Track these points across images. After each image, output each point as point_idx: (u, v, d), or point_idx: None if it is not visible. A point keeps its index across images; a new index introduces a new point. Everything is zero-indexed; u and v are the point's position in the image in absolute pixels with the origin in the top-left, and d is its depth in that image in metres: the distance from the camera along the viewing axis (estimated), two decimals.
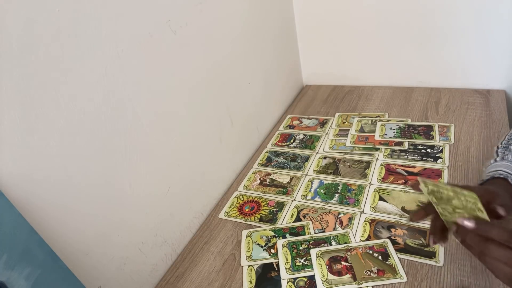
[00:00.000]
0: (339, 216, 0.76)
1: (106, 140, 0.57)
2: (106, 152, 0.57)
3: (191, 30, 0.73)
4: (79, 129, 0.53)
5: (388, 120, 1.02)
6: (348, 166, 0.89)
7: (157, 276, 0.71)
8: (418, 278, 0.62)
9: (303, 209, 0.80)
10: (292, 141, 1.02)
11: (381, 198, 0.78)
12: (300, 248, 0.70)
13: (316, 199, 0.81)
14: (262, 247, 0.72)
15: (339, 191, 0.82)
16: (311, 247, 0.70)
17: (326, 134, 1.02)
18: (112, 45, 0.56)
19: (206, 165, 0.83)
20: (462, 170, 0.81)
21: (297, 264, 0.67)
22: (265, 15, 1.03)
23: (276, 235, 0.74)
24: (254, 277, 0.67)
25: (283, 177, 0.90)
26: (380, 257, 0.66)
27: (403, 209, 0.75)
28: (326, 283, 0.63)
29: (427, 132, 0.94)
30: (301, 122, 1.10)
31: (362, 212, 0.76)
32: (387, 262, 0.65)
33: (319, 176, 0.88)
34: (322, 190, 0.83)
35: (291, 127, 1.09)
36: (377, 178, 0.83)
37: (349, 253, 0.67)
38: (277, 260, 0.69)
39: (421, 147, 0.90)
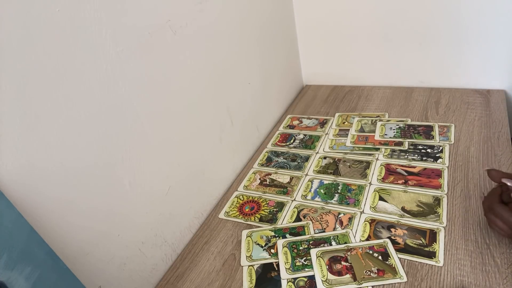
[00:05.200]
0: (339, 216, 0.76)
1: (105, 140, 0.57)
2: (106, 151, 0.57)
3: (191, 30, 0.73)
4: (79, 128, 0.53)
5: (388, 120, 1.02)
6: (348, 166, 0.89)
7: (157, 276, 0.71)
8: (418, 278, 0.62)
9: (303, 209, 0.80)
10: (292, 141, 1.02)
11: (381, 198, 0.78)
12: (300, 248, 0.70)
13: (316, 199, 0.81)
14: (262, 247, 0.72)
15: (339, 191, 0.82)
16: (311, 247, 0.70)
17: (326, 134, 1.02)
18: (112, 45, 0.56)
19: (206, 165, 0.83)
20: (462, 170, 0.81)
21: (297, 264, 0.67)
22: (265, 15, 1.03)
23: (276, 235, 0.74)
24: (254, 277, 0.67)
25: (283, 177, 0.90)
26: (380, 257, 0.66)
27: (403, 209, 0.75)
28: (326, 283, 0.63)
29: (427, 132, 0.94)
30: (301, 122, 1.10)
31: (362, 212, 0.76)
32: (387, 262, 0.65)
33: (319, 176, 0.88)
34: (322, 190, 0.83)
35: (291, 127, 1.09)
36: (377, 178, 0.83)
37: (349, 253, 0.67)
38: (277, 260, 0.69)
39: (421, 147, 0.90)
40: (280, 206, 0.81)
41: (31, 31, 0.46)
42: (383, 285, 0.62)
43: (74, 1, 0.50)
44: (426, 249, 0.66)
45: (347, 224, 0.74)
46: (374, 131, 0.98)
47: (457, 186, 0.77)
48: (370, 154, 0.91)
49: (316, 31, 1.21)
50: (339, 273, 0.64)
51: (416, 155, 0.88)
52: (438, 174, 0.81)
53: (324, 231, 0.73)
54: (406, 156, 0.88)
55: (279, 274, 0.66)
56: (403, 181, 0.81)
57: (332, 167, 0.90)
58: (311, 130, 1.06)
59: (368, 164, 0.88)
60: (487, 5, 0.97)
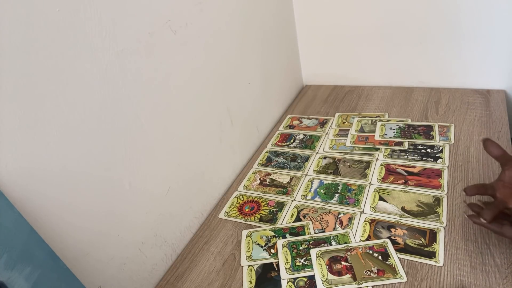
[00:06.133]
0: (339, 216, 0.76)
1: (105, 140, 0.57)
2: (106, 151, 0.57)
3: (191, 30, 0.73)
4: (79, 128, 0.53)
5: (388, 120, 1.02)
6: (348, 166, 0.89)
7: (157, 276, 0.71)
8: (418, 278, 0.62)
9: (303, 209, 0.80)
10: (292, 141, 1.02)
11: (381, 198, 0.78)
12: (300, 248, 0.70)
13: (316, 199, 0.81)
14: (262, 247, 0.72)
15: (339, 191, 0.82)
16: (311, 247, 0.70)
17: (326, 134, 1.02)
18: (112, 45, 0.56)
19: (206, 165, 0.83)
20: (462, 170, 0.81)
21: (297, 264, 0.67)
22: (265, 15, 1.03)
23: (276, 235, 0.74)
24: (254, 277, 0.67)
25: (283, 177, 0.90)
26: (380, 257, 0.66)
27: (403, 209, 0.75)
28: (326, 283, 0.63)
29: (427, 132, 0.94)
30: (301, 122, 1.10)
31: (362, 212, 0.76)
32: (387, 262, 0.65)
33: (319, 176, 0.88)
34: (322, 190, 0.83)
35: (291, 127, 1.09)
36: (377, 178, 0.83)
37: (349, 253, 0.67)
38: (277, 260, 0.69)
39: (421, 147, 0.90)
40: (280, 206, 0.81)
41: (31, 31, 0.45)
42: (383, 285, 0.62)
43: (74, 1, 0.50)
44: (426, 249, 0.66)
45: (347, 224, 0.74)
46: (374, 131, 0.98)
47: (457, 186, 0.77)
48: (370, 154, 0.91)
49: (316, 31, 1.21)
50: (339, 273, 0.64)
51: (416, 155, 0.88)
52: (438, 174, 0.81)
53: (324, 231, 0.73)
54: (406, 156, 0.88)
55: (279, 274, 0.66)
56: (403, 181, 0.81)
57: (332, 167, 0.90)
58: (311, 130, 1.06)
59: (368, 164, 0.88)
60: (487, 5, 0.97)
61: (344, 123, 1.05)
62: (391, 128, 0.98)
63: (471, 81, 1.09)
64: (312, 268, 0.66)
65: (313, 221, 0.76)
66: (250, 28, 0.96)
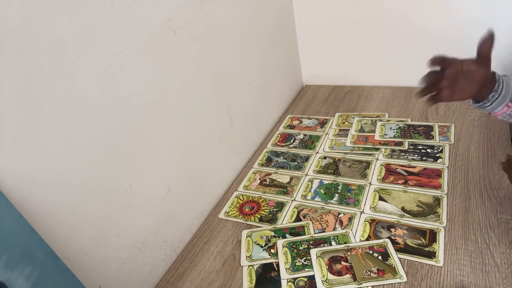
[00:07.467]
0: (339, 216, 0.76)
1: (106, 140, 0.57)
2: (106, 152, 0.57)
3: (191, 30, 0.73)
4: (79, 129, 0.53)
5: (388, 120, 1.02)
6: (348, 166, 0.89)
7: (157, 276, 0.71)
8: (418, 278, 0.62)
9: (303, 209, 0.80)
10: (292, 141, 1.02)
11: (381, 198, 0.78)
12: (300, 248, 0.70)
13: (316, 199, 0.81)
14: (262, 247, 0.72)
15: (339, 191, 0.82)
16: (311, 247, 0.70)
17: (326, 134, 1.02)
18: (112, 45, 0.56)
19: (206, 165, 0.83)
20: (462, 170, 0.81)
21: (297, 264, 0.67)
22: (265, 15, 1.03)
23: (276, 235, 0.74)
24: (254, 277, 0.67)
25: (283, 177, 0.90)
26: (380, 257, 0.66)
27: (403, 209, 0.75)
28: (326, 283, 0.63)
29: (427, 132, 0.94)
30: (301, 122, 1.10)
31: (362, 212, 0.76)
32: (387, 262, 0.65)
33: (319, 176, 0.88)
34: (322, 190, 0.83)
35: (291, 127, 1.09)
36: (377, 178, 0.83)
37: (349, 253, 0.67)
38: (277, 260, 0.69)
39: (421, 147, 0.90)
40: (280, 206, 0.81)
41: (31, 31, 0.45)
42: (383, 285, 0.62)
43: (74, 1, 0.50)
44: (426, 249, 0.66)
45: (347, 224, 0.74)
46: (374, 131, 0.98)
47: (457, 186, 0.77)
48: (370, 154, 0.91)
49: (316, 31, 1.21)
50: (339, 273, 0.64)
51: (416, 155, 0.88)
52: (438, 174, 0.81)
53: (324, 231, 0.73)
54: (406, 156, 0.88)
55: (279, 274, 0.66)
56: (403, 181, 0.81)
57: (332, 167, 0.90)
58: (311, 130, 1.06)
59: (368, 164, 0.88)
60: (487, 4, 0.97)
61: (344, 123, 1.05)
62: (391, 128, 0.98)
63: None
64: (312, 268, 0.66)
65: (313, 221, 0.76)
66: (250, 28, 0.96)
